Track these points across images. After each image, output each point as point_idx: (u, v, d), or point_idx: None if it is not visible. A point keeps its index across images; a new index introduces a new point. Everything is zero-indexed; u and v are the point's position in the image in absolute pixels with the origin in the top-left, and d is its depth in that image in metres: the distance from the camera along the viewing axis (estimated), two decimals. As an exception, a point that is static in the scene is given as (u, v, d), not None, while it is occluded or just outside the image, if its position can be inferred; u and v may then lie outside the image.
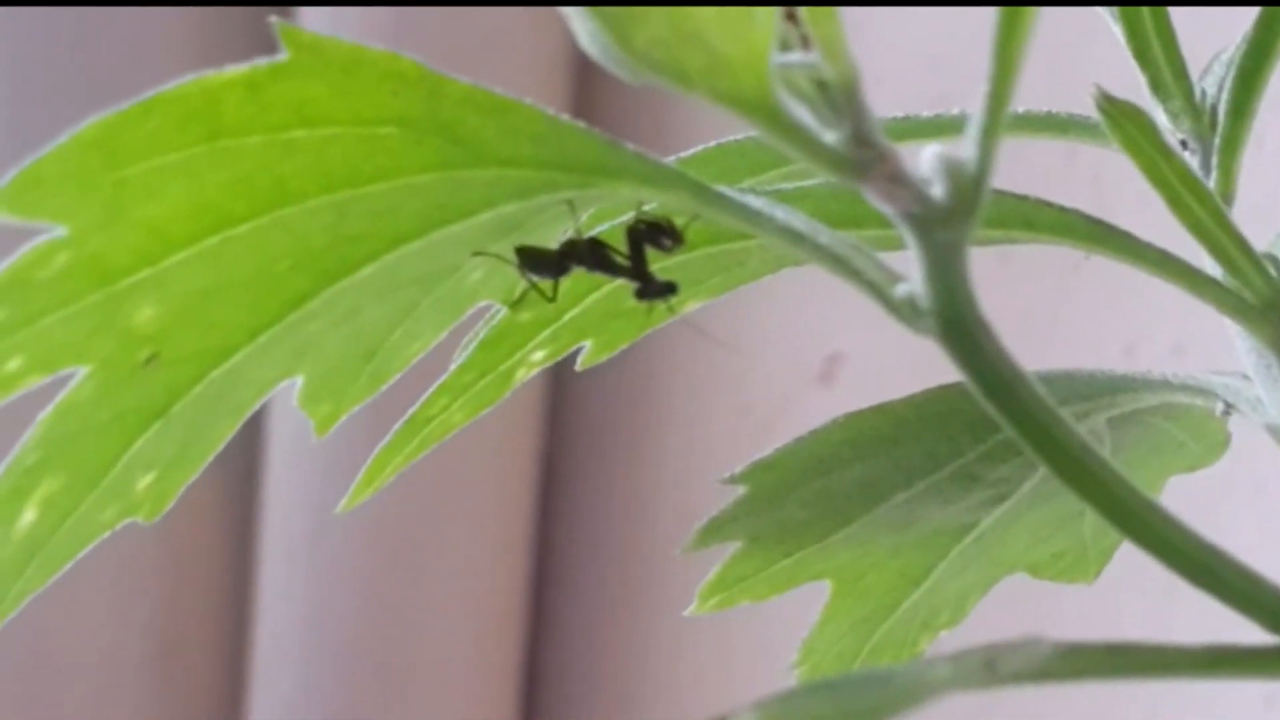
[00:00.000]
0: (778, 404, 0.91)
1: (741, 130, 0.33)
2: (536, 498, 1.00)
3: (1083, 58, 0.48)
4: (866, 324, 0.87)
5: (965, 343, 0.26)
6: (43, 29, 0.94)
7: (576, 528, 1.01)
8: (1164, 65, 0.32)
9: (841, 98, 0.25)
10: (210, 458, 0.31)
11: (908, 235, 0.26)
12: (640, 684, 0.96)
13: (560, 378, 1.00)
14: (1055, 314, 0.78)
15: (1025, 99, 0.34)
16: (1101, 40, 0.34)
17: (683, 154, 0.33)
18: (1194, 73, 0.33)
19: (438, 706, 0.95)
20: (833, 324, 0.89)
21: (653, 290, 0.31)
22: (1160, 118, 0.32)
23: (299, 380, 0.31)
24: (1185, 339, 0.70)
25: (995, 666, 0.25)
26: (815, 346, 0.89)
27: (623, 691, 0.97)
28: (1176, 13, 0.33)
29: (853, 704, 0.24)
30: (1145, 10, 0.32)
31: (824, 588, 0.39)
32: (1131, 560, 0.40)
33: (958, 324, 0.26)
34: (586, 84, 0.98)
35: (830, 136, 0.25)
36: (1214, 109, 0.32)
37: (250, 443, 0.98)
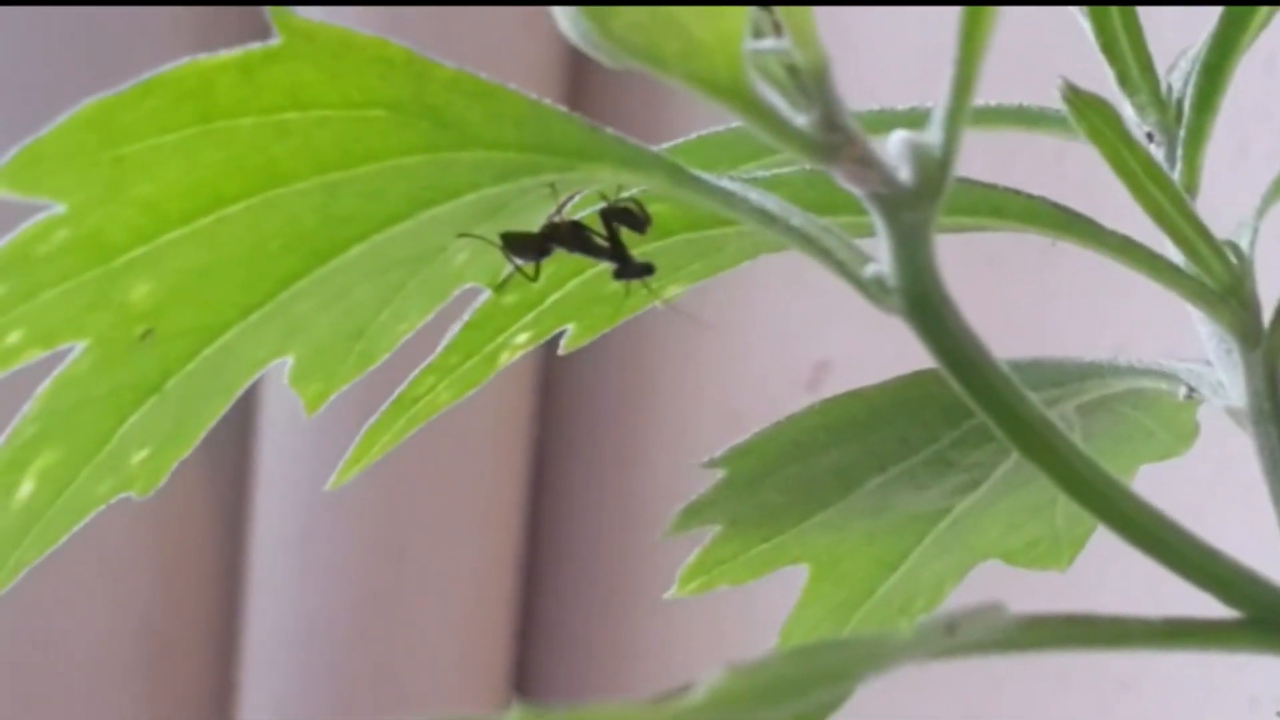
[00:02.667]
0: (766, 410, 0.91)
1: (723, 123, 0.34)
2: (525, 501, 1.00)
3: (1053, 53, 0.49)
4: (854, 332, 0.88)
5: (931, 320, 0.27)
6: (39, 26, 0.94)
7: (565, 529, 1.02)
8: (1131, 60, 0.33)
9: (812, 83, 0.26)
10: (202, 434, 0.32)
11: (876, 216, 0.27)
12: (629, 677, 0.97)
13: (549, 381, 1.01)
14: (1042, 317, 0.79)
15: (997, 93, 0.35)
16: (1070, 36, 0.35)
17: (665, 145, 0.34)
18: (1160, 68, 0.34)
19: (428, 696, 0.96)
20: (821, 331, 0.90)
21: (630, 271, 0.32)
22: (1127, 111, 0.33)
23: (289, 360, 0.32)
24: (1177, 346, 0.71)
25: (956, 631, 0.26)
26: (803, 354, 0.90)
27: (612, 683, 0.97)
28: (1149, 10, 0.34)
29: (819, 666, 0.25)
30: (1113, 8, 0.33)
31: (804, 573, 0.39)
32: (1105, 550, 0.41)
33: (923, 301, 0.27)
34: (578, 83, 0.99)
35: (801, 120, 0.26)
36: (1180, 103, 0.33)
37: (240, 438, 0.99)
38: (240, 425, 0.98)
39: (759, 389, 0.92)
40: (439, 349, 0.34)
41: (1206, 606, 0.29)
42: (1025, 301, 0.78)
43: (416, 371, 0.34)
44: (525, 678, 1.02)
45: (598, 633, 0.99)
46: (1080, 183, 0.66)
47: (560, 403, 1.02)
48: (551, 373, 1.01)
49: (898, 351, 0.84)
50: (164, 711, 0.99)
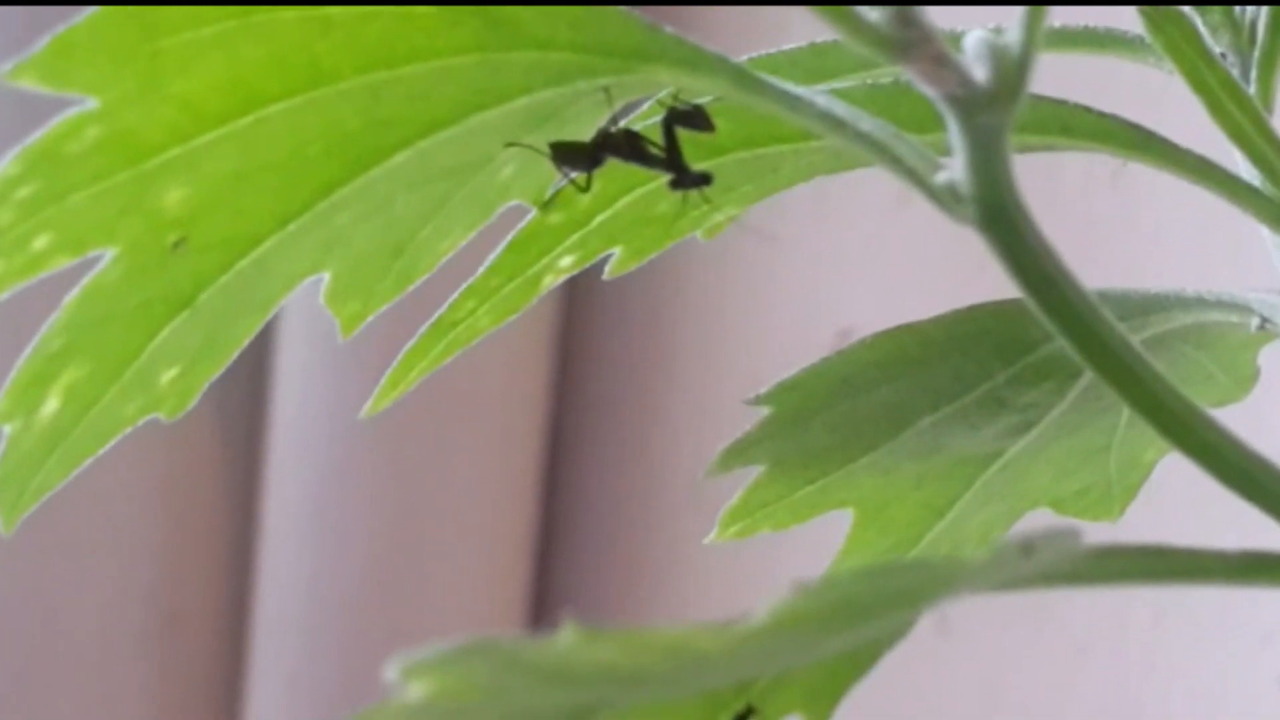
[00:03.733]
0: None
1: (768, 35, 0.33)
2: (542, 468, 0.99)
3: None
4: (877, 299, 0.87)
5: (1006, 230, 0.26)
6: (37, 26, 0.93)
7: (583, 497, 1.01)
8: (1204, -22, 0.32)
9: (887, -24, 0.25)
10: (235, 354, 0.30)
11: (950, 120, 0.26)
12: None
13: (568, 347, 1.00)
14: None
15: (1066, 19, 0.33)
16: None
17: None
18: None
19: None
20: (843, 298, 0.89)
21: (688, 180, 0.30)
22: (1199, 30, 0.32)
23: (326, 276, 0.30)
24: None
25: (1033, 553, 0.24)
26: (826, 320, 0.89)
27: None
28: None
29: (890, 586, 0.24)
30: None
31: (841, 529, 0.38)
32: (1154, 506, 0.40)
33: (999, 210, 0.26)
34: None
35: (875, 15, 0.25)
36: (1253, 24, 0.32)
37: (253, 409, 0.98)
38: (252, 392, 0.97)
39: (780, 356, 0.91)
40: (480, 270, 0.32)
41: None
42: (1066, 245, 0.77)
43: (457, 294, 0.32)
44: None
45: (617, 599, 0.98)
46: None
47: (579, 369, 1.00)
48: (570, 339, 1.00)
49: (921, 318, 0.83)
50: (174, 683, 0.98)
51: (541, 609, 1.01)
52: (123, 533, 0.96)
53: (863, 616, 0.24)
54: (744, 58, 0.34)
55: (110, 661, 0.97)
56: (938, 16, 0.26)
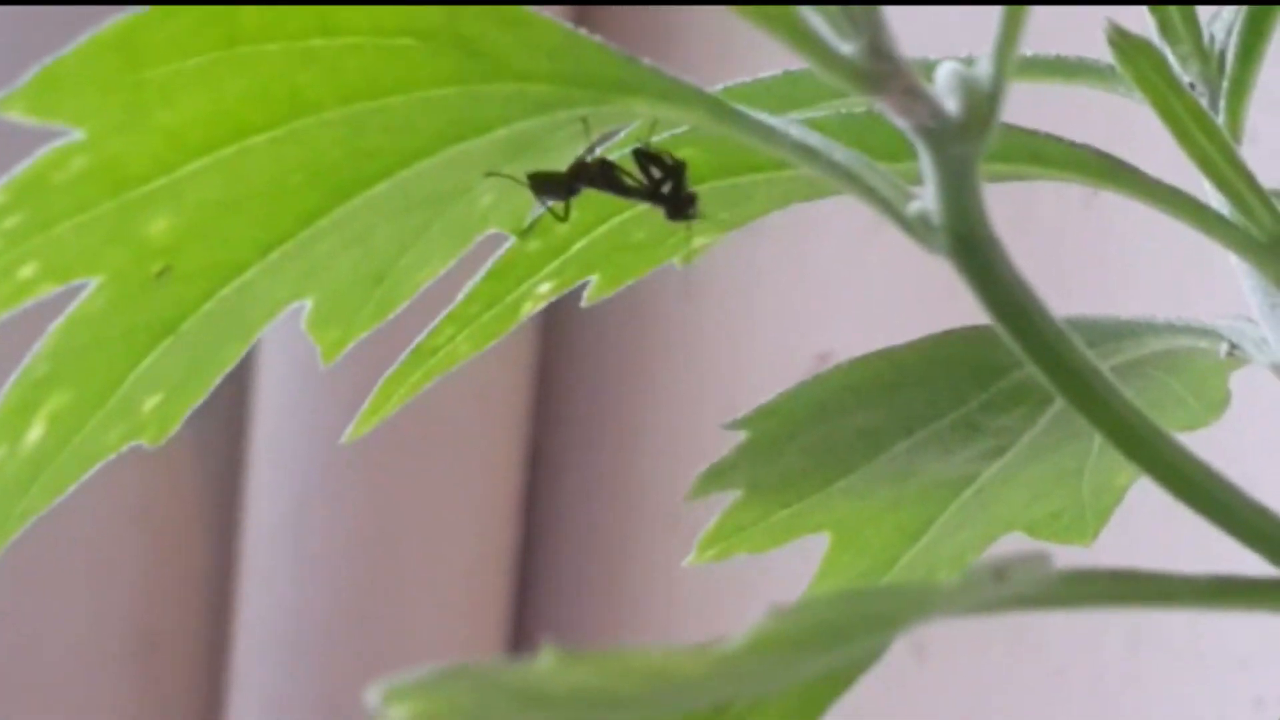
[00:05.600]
0: (766, 402, 0.91)
1: (745, 62, 0.33)
2: (521, 493, 1.00)
3: (1090, 7, 0.48)
4: (856, 322, 0.88)
5: (976, 259, 0.26)
6: (36, 26, 0.94)
7: (561, 522, 1.01)
8: (1173, 9, 0.32)
9: (860, 11, 0.25)
10: (216, 381, 0.31)
11: (922, 151, 0.26)
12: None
13: (546, 371, 1.00)
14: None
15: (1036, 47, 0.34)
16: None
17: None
18: (1203, 17, 0.33)
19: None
20: (822, 323, 0.89)
21: (675, 209, 0.31)
22: (1169, 60, 0.32)
23: (307, 304, 0.31)
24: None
25: (1005, 578, 0.25)
26: (805, 345, 0.89)
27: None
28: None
29: (865, 610, 0.25)
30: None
31: (813, 563, 0.39)
32: (1127, 530, 0.41)
33: (970, 240, 0.26)
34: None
35: (847, 48, 0.25)
36: (1222, 53, 0.32)
37: (232, 433, 0.98)
38: (231, 416, 0.97)
39: (759, 381, 0.91)
40: (459, 297, 0.33)
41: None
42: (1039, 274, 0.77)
43: (436, 321, 0.33)
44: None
45: (594, 625, 0.98)
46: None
47: (557, 392, 1.01)
48: (548, 362, 1.00)
49: (899, 341, 0.83)
50: (152, 706, 0.98)
51: (521, 630, 1.01)
52: (101, 555, 0.96)
53: (838, 640, 0.25)
54: (720, 85, 0.34)
55: (89, 683, 0.97)
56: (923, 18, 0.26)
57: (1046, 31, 0.33)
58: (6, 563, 0.31)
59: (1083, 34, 0.33)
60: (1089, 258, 0.75)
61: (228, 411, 0.97)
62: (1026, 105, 0.36)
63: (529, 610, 1.01)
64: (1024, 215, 0.74)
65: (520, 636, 1.01)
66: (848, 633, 0.24)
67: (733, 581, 0.85)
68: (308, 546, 0.95)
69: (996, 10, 0.26)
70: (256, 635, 0.97)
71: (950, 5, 0.78)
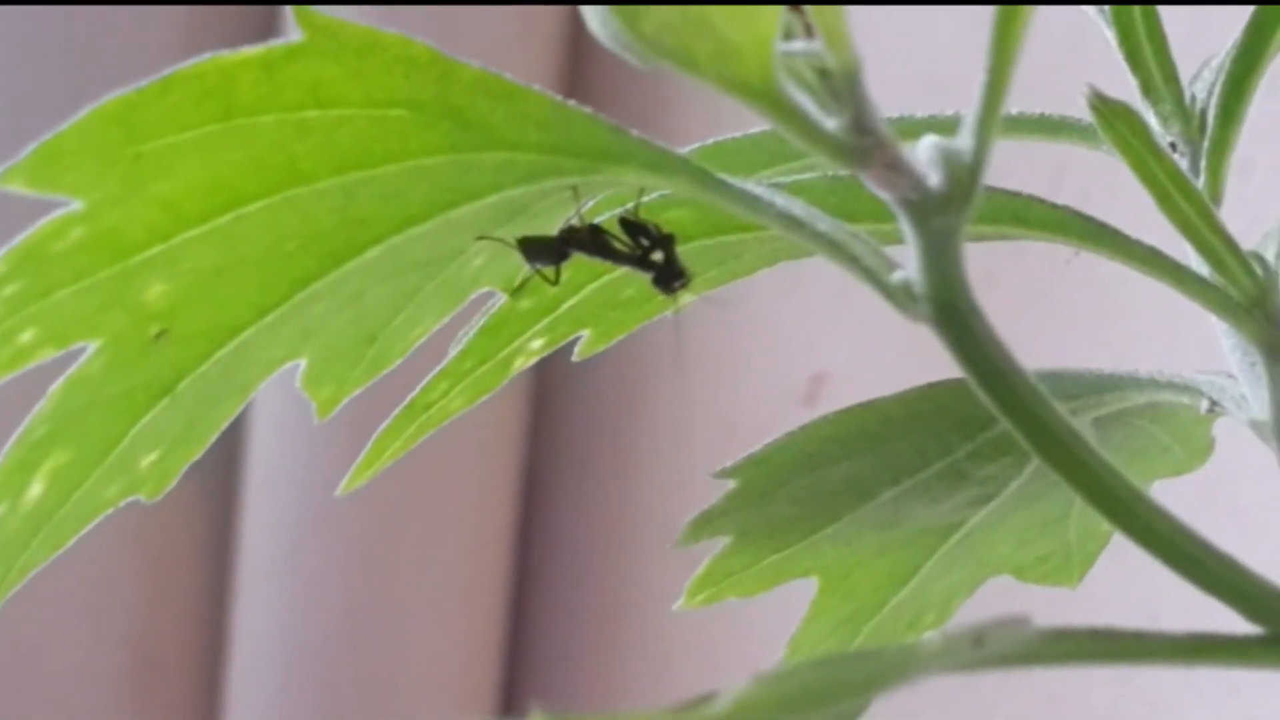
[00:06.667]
0: (762, 424, 0.91)
1: (735, 120, 0.34)
2: (517, 516, 1.00)
3: (1074, 64, 0.48)
4: (851, 344, 0.88)
5: (959, 328, 0.27)
6: (37, 28, 0.94)
7: (557, 544, 1.01)
8: (1155, 69, 0.33)
9: (843, 86, 0.26)
10: (213, 437, 0.31)
11: (904, 222, 0.26)
12: (619, 694, 0.96)
13: (543, 394, 1.01)
14: (1041, 337, 0.79)
15: (1017, 104, 0.34)
16: (1092, 46, 0.35)
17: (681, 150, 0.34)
18: (1184, 78, 0.33)
19: (416, 712, 0.96)
20: (817, 344, 0.89)
21: (664, 279, 0.31)
22: (1150, 120, 0.33)
23: (302, 363, 0.31)
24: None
25: (983, 643, 0.25)
26: (800, 366, 0.90)
27: (601, 701, 0.97)
28: (1167, 20, 0.34)
29: (845, 676, 0.25)
30: (1137, 13, 0.32)
31: (807, 596, 0.39)
32: (1114, 569, 0.41)
33: (951, 309, 0.27)
34: (574, 90, 0.98)
35: (831, 124, 0.26)
36: (1203, 113, 0.33)
37: (228, 454, 0.98)
38: (229, 438, 0.98)
39: (755, 402, 0.92)
40: (452, 354, 0.33)
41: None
42: (1026, 321, 0.78)
43: (429, 377, 0.33)
44: (514, 694, 1.02)
45: (588, 650, 0.99)
46: (1077, 197, 0.66)
47: (553, 416, 1.01)
48: (545, 386, 1.01)
49: (894, 364, 0.84)
50: (149, 725, 0.99)
51: (515, 658, 1.01)
52: (99, 576, 0.97)
53: (819, 703, 0.25)
54: (710, 140, 0.35)
55: (86, 705, 0.97)
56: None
57: (1030, 91, 0.33)
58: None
59: (1064, 97, 0.34)
60: (1073, 309, 0.76)
61: (224, 442, 0.97)
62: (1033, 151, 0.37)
63: (523, 637, 1.02)
64: (1007, 268, 0.74)
65: (514, 664, 1.01)
66: (828, 697, 0.25)
67: (724, 609, 0.85)
68: (304, 569, 0.96)
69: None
70: (253, 657, 0.97)
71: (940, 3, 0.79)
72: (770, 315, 0.91)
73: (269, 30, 0.96)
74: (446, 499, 0.96)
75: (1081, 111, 0.33)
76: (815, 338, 0.89)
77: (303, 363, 0.31)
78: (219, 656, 0.99)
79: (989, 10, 0.26)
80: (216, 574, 1.00)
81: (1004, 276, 0.75)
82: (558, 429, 1.01)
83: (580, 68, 0.99)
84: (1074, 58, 0.53)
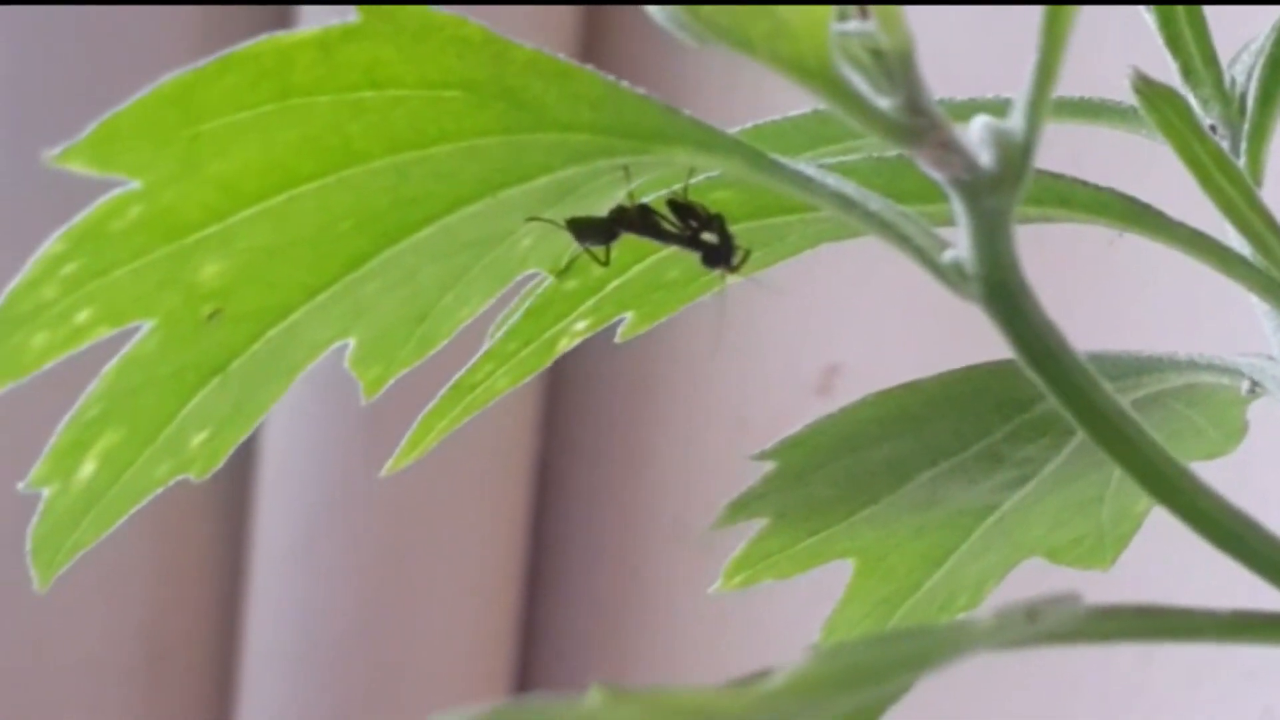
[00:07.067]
0: (775, 416, 0.92)
1: (747, 120, 0.34)
2: (530, 508, 1.00)
3: (1113, 48, 0.49)
4: (864, 335, 0.88)
5: (1009, 307, 0.27)
6: (41, 28, 0.94)
7: (570, 536, 1.02)
8: (1195, 53, 0.33)
9: (897, 66, 0.26)
10: (262, 417, 0.32)
11: (956, 202, 0.27)
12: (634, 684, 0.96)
13: (555, 387, 1.01)
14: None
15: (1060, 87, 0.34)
16: (1132, 29, 0.35)
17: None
18: (1224, 61, 0.34)
19: (429, 705, 0.96)
20: (830, 336, 0.90)
21: (716, 258, 0.31)
22: (1190, 104, 0.33)
23: (351, 342, 0.31)
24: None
25: (1036, 619, 0.25)
26: (813, 358, 0.90)
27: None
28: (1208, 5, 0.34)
29: (900, 652, 0.25)
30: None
31: (821, 587, 0.39)
32: (1144, 554, 0.41)
33: (1002, 288, 0.27)
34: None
35: (885, 103, 0.26)
36: (1243, 96, 0.33)
37: (243, 446, 0.98)
38: (241, 442, 0.97)
39: (768, 394, 0.92)
40: (497, 335, 0.34)
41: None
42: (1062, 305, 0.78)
43: (475, 358, 0.34)
44: (528, 686, 1.02)
45: (602, 641, 0.99)
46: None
47: (566, 408, 1.01)
48: (558, 378, 1.01)
49: (908, 354, 0.84)
50: (162, 718, 0.99)
51: (527, 652, 1.02)
52: (113, 566, 0.97)
53: (873, 679, 0.25)
54: (750, 124, 0.35)
55: (99, 697, 0.97)
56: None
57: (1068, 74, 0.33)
58: (18, 576, 0.31)
59: (1107, 81, 0.34)
60: (1115, 292, 0.76)
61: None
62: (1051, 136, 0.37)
63: (536, 628, 1.02)
64: (1052, 251, 0.75)
65: (527, 654, 1.01)
66: (883, 673, 0.25)
67: (738, 599, 0.86)
68: (317, 560, 0.96)
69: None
70: (266, 648, 0.97)
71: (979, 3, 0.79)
72: (782, 307, 0.91)
73: (282, 30, 0.96)
74: (460, 489, 0.97)
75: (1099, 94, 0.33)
76: (828, 329, 0.90)
77: (351, 342, 0.31)
78: (232, 648, 0.99)
79: (995, 10, 0.26)
80: (230, 565, 1.00)
81: (1036, 258, 0.75)
82: (571, 419, 1.01)
83: (590, 62, 0.99)
84: (1112, 43, 0.53)
